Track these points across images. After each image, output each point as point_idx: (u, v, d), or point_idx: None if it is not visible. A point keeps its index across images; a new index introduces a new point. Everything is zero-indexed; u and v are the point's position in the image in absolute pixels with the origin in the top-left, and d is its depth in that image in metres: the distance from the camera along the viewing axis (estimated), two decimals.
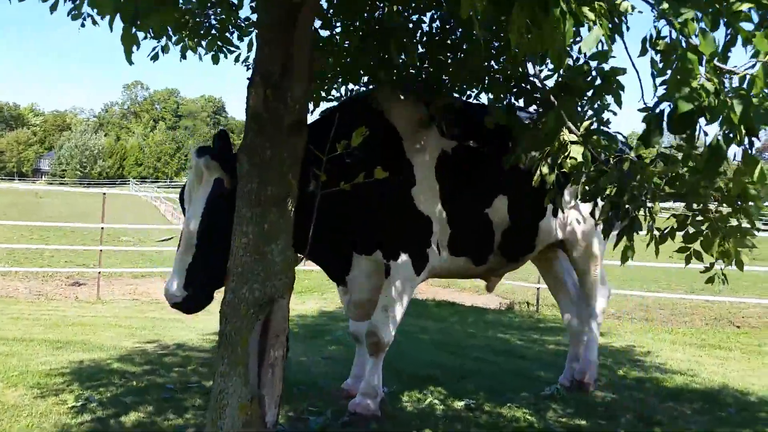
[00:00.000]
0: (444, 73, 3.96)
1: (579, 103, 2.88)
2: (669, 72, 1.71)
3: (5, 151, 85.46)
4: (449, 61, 3.89)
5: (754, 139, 2.18)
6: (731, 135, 1.70)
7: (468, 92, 4.22)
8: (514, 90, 3.47)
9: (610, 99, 2.94)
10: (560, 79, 2.90)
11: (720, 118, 1.65)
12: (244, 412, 2.45)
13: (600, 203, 2.89)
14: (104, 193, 11.14)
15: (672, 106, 1.74)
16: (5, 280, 12.11)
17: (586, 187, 2.73)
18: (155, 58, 3.86)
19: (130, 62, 2.45)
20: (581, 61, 2.99)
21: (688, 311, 11.78)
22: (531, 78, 3.26)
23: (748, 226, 3.14)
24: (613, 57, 2.87)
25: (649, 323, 10.35)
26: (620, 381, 5.83)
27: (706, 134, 1.96)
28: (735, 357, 7.71)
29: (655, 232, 2.86)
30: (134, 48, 2.28)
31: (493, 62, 3.65)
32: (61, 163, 78.54)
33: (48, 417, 4.03)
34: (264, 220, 2.37)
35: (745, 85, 1.69)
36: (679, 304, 12.44)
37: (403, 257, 4.14)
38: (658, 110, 1.80)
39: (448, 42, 3.61)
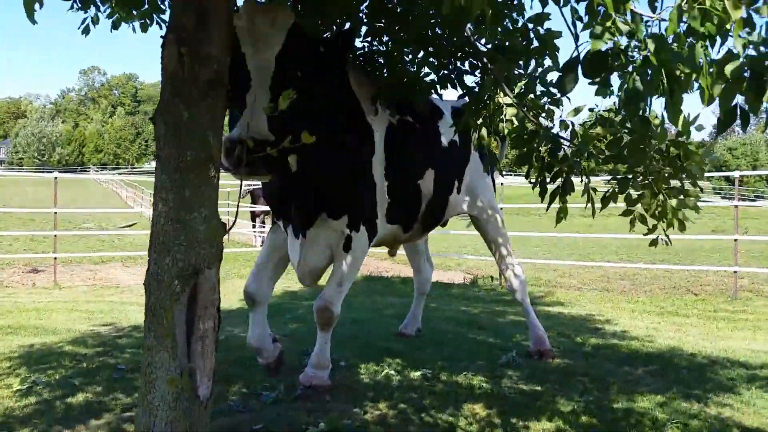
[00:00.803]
0: (391, 41, 3.90)
1: (517, 66, 2.85)
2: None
3: None
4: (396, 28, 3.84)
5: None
6: (650, 80, 1.67)
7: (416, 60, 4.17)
8: (458, 55, 3.43)
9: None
10: (496, 42, 2.86)
11: (636, 60, 1.63)
12: (173, 386, 2.37)
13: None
14: (55, 178, 10.79)
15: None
16: None
17: (524, 150, 2.70)
18: (86, 31, 3.69)
19: (33, 21, 2.34)
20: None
21: (647, 281, 11.98)
22: (472, 42, 3.21)
23: (691, 187, 3.17)
24: (549, 20, 2.84)
25: (610, 293, 10.49)
26: (578, 348, 5.89)
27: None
28: (691, 323, 7.87)
29: (592, 193, 2.85)
30: (37, 6, 2.16)
31: (437, 29, 3.61)
32: (17, 151, 76.30)
33: None
34: (184, 187, 2.27)
35: (663, 30, 1.67)
36: (639, 274, 12.65)
37: (362, 228, 4.15)
38: (574, 54, 1.77)
39: (389, 7, 3.53)
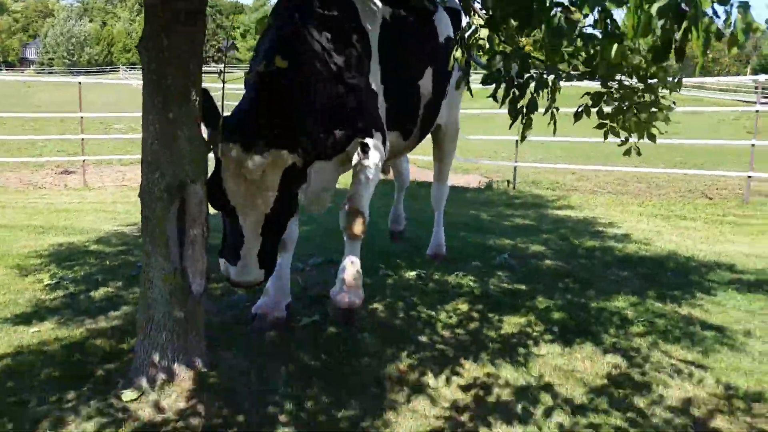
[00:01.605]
0: None
1: None
2: None
3: None
4: None
5: None
6: None
7: None
8: None
9: None
10: None
11: None
12: (168, 283, 2.72)
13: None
14: (79, 83, 11.07)
15: None
16: None
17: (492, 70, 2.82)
18: None
19: None
20: None
21: (664, 184, 12.04)
22: None
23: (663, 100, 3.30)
24: None
25: (623, 196, 10.63)
26: (572, 250, 6.15)
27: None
28: (696, 227, 8.03)
29: (554, 110, 3.00)
30: None
31: None
32: (47, 51, 76.14)
33: (24, 293, 4.37)
34: (167, 109, 2.51)
35: None
36: (657, 177, 12.69)
37: (375, 135, 3.87)
38: None
39: None
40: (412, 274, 5.02)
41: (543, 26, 2.10)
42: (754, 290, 4.93)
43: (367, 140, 3.80)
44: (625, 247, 6.39)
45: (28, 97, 29.47)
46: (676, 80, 3.23)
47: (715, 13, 1.94)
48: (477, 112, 13.30)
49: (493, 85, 2.84)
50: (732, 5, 1.94)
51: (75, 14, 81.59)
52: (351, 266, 3.90)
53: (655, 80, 3.14)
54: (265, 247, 3.13)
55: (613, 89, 3.31)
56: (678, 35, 1.97)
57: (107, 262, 5.25)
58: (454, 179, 12.75)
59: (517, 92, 2.93)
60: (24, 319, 3.85)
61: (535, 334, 3.84)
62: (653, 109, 3.28)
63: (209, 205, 2.87)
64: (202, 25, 2.55)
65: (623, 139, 3.34)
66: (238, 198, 2.94)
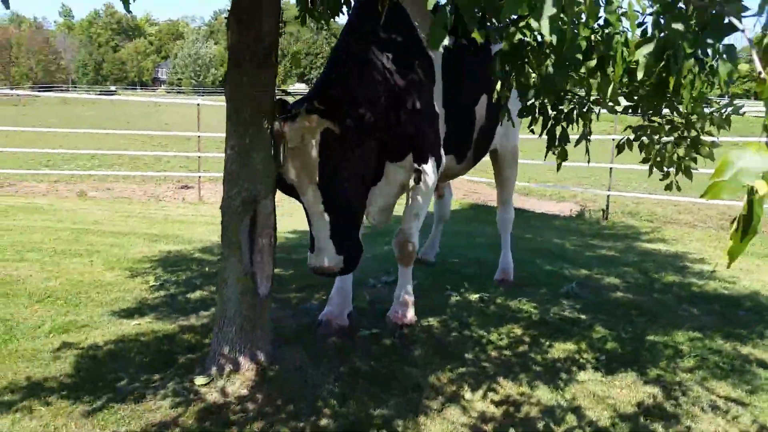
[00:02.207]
0: None
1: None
2: None
3: (126, 62, 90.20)
4: None
5: None
6: None
7: None
8: None
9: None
10: None
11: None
12: (240, 284, 3.21)
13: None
14: (198, 104, 12.20)
15: None
16: (125, 183, 13.79)
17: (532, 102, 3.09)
18: None
19: None
20: None
21: None
22: None
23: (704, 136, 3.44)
24: None
25: (722, 232, 10.24)
26: (649, 284, 6.15)
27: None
28: None
29: (587, 140, 3.23)
30: None
31: None
32: (176, 72, 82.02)
33: (131, 292, 5.07)
34: (245, 136, 3.00)
35: None
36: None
37: (431, 160, 4.12)
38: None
39: None
40: (475, 296, 5.28)
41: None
42: None
43: (423, 167, 4.09)
44: (706, 284, 6.29)
45: (157, 116, 32.19)
46: (724, 116, 3.36)
47: (703, 53, 2.16)
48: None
49: (529, 118, 3.12)
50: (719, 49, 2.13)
51: (202, 36, 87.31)
52: (404, 290, 4.41)
53: (695, 116, 3.29)
54: (336, 229, 3.42)
55: (655, 123, 3.48)
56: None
57: (207, 269, 5.91)
58: (547, 206, 12.80)
59: (553, 122, 3.19)
60: (128, 314, 4.51)
61: (581, 360, 4.00)
62: (691, 145, 3.43)
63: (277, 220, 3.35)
64: (274, 66, 3.04)
65: (664, 173, 3.49)
66: (292, 174, 3.32)
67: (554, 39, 1.83)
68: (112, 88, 68.75)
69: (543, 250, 7.67)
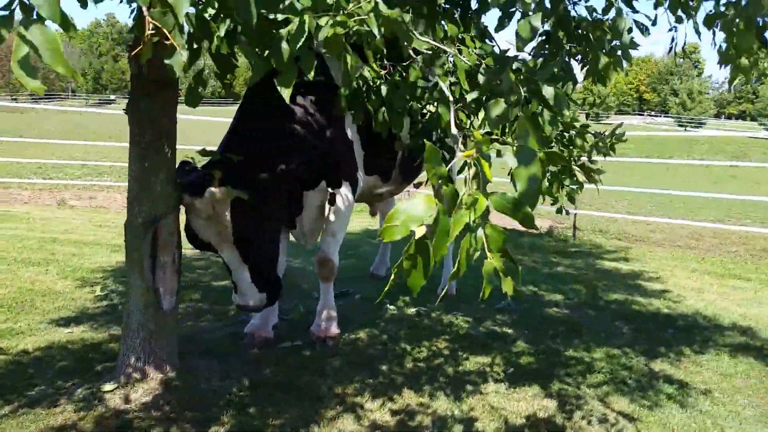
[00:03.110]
0: None
1: None
2: None
3: (126, 71, 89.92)
4: None
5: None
6: None
7: None
8: None
9: None
10: None
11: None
12: (143, 298, 3.39)
13: None
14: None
15: None
16: (109, 192, 14.01)
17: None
18: None
19: None
20: None
21: (740, 241, 11.59)
22: None
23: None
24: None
25: (688, 251, 10.39)
26: (590, 302, 6.29)
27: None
28: (747, 287, 7.80)
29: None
30: None
31: None
32: None
33: (77, 301, 5.25)
34: (144, 159, 3.20)
35: None
36: (734, 234, 12.21)
37: (345, 184, 4.45)
38: None
39: None
40: (412, 310, 5.45)
41: None
42: (749, 354, 4.92)
43: (336, 190, 4.39)
44: (650, 302, 6.44)
45: None
46: (608, 144, 3.55)
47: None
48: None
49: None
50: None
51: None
52: (325, 305, 4.59)
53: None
54: (256, 273, 3.77)
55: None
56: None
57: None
58: (516, 223, 12.91)
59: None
60: (66, 322, 4.68)
61: (491, 373, 4.16)
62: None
63: (181, 238, 3.53)
64: (173, 92, 3.23)
65: (553, 199, 3.68)
66: (206, 236, 3.59)
67: (384, 89, 2.00)
68: (112, 96, 69.27)
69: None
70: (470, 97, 2.26)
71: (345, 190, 4.47)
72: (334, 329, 4.54)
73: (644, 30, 3.00)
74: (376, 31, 1.90)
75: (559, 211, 3.70)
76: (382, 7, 1.94)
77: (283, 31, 1.89)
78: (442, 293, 5.95)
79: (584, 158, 3.67)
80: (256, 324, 4.45)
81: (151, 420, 3.18)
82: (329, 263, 4.52)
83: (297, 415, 3.36)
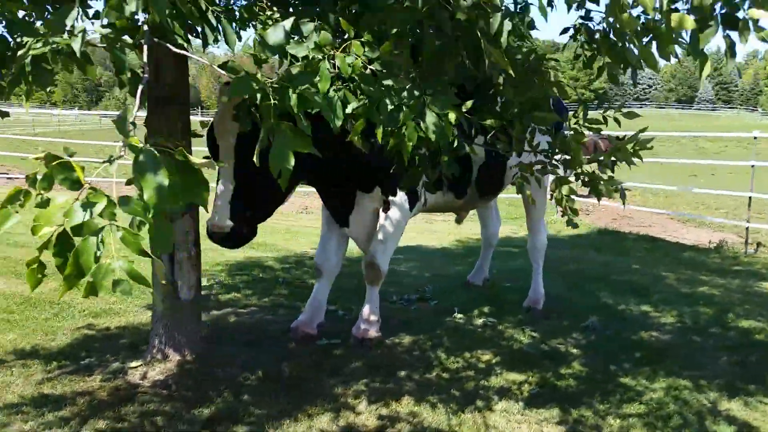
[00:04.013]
0: None
1: None
2: None
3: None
4: None
5: None
6: None
7: None
8: None
9: None
10: None
11: None
12: (164, 289, 3.82)
13: None
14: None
15: None
16: None
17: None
18: None
19: None
20: None
21: None
22: None
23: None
24: None
25: None
26: (704, 327, 5.55)
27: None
28: None
29: None
30: None
31: None
32: None
33: None
34: None
35: None
36: None
37: (401, 194, 4.49)
38: None
39: None
40: (480, 320, 5.30)
41: None
42: None
43: (391, 199, 4.48)
44: (738, 323, 5.59)
45: None
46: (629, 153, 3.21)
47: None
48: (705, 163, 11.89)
49: None
50: None
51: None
52: (368, 308, 4.68)
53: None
54: (239, 198, 3.61)
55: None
56: None
57: (263, 275, 6.64)
58: (689, 235, 11.59)
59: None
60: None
61: (514, 392, 3.94)
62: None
63: (198, 237, 3.89)
64: (177, 107, 3.60)
65: (562, 210, 3.39)
66: (221, 131, 3.57)
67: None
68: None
69: (626, 282, 7.17)
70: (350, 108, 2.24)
71: (400, 200, 4.52)
72: (374, 332, 4.62)
73: None
74: None
75: (568, 223, 3.40)
76: None
77: None
78: (527, 307, 5.72)
79: (591, 166, 3.36)
80: (302, 320, 4.69)
81: (153, 395, 3.57)
82: (374, 267, 4.58)
83: (279, 409, 3.53)
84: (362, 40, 2.33)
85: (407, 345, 4.66)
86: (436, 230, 11.47)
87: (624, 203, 3.48)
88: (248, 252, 7.94)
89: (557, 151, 3.30)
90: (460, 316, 5.40)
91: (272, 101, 2.04)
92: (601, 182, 3.22)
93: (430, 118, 2.26)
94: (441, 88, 2.38)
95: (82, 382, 3.72)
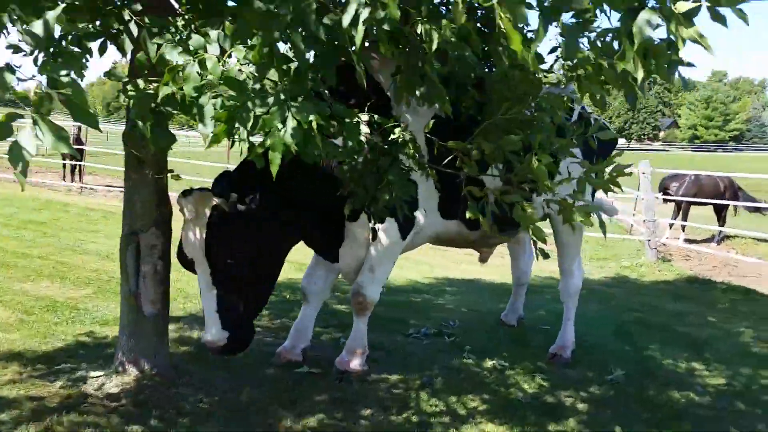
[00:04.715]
0: None
1: None
2: None
3: None
4: None
5: None
6: None
7: None
8: None
9: None
10: None
11: None
12: (128, 302, 3.80)
13: None
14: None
15: None
16: None
17: None
18: None
19: None
20: None
21: None
22: None
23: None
24: None
25: None
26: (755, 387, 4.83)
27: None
28: None
29: None
30: None
31: None
32: None
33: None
34: (129, 179, 3.65)
35: None
36: None
37: (389, 221, 4.06)
38: None
39: None
40: (490, 363, 4.88)
41: None
42: None
43: (378, 226, 4.15)
44: None
45: None
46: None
47: None
48: None
49: None
50: None
51: None
52: (353, 339, 4.44)
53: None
54: (224, 305, 3.59)
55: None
56: None
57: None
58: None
59: None
60: None
61: None
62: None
63: (163, 251, 3.85)
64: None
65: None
66: (187, 247, 3.65)
67: None
68: None
69: (685, 335, 6.39)
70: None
71: (389, 228, 4.21)
72: (357, 365, 4.36)
73: None
74: None
75: (541, 253, 3.05)
76: None
77: None
78: (552, 353, 5.22)
79: (562, 193, 2.98)
80: (286, 346, 4.53)
81: (98, 407, 3.53)
82: (361, 297, 4.33)
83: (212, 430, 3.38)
84: (243, 45, 2.19)
85: (392, 382, 4.36)
86: (505, 264, 10.93)
87: (604, 233, 3.11)
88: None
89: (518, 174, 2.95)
90: (470, 356, 5.01)
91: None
92: (573, 208, 2.85)
93: (291, 123, 2.06)
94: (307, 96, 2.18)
95: (43, 387, 3.76)
